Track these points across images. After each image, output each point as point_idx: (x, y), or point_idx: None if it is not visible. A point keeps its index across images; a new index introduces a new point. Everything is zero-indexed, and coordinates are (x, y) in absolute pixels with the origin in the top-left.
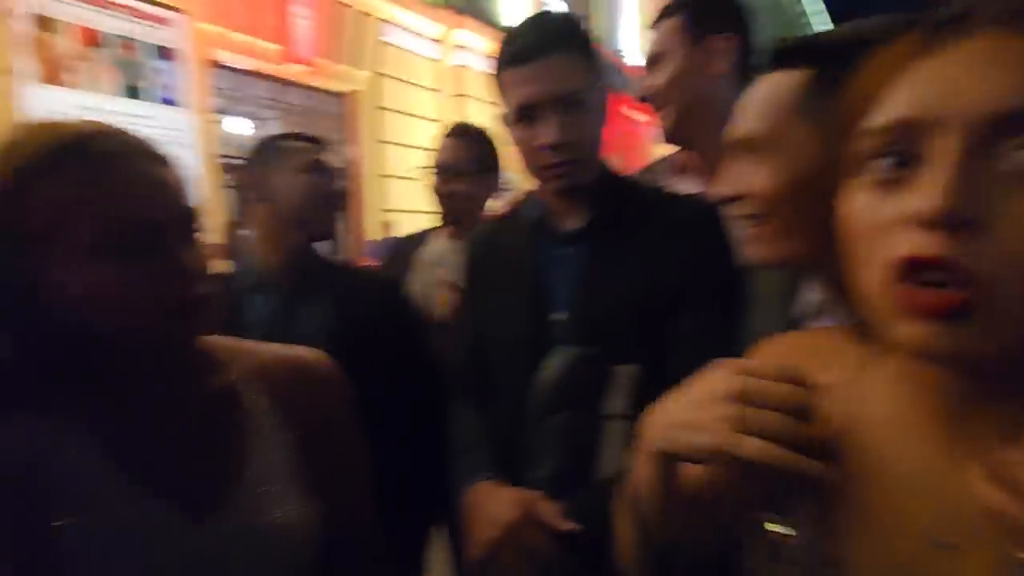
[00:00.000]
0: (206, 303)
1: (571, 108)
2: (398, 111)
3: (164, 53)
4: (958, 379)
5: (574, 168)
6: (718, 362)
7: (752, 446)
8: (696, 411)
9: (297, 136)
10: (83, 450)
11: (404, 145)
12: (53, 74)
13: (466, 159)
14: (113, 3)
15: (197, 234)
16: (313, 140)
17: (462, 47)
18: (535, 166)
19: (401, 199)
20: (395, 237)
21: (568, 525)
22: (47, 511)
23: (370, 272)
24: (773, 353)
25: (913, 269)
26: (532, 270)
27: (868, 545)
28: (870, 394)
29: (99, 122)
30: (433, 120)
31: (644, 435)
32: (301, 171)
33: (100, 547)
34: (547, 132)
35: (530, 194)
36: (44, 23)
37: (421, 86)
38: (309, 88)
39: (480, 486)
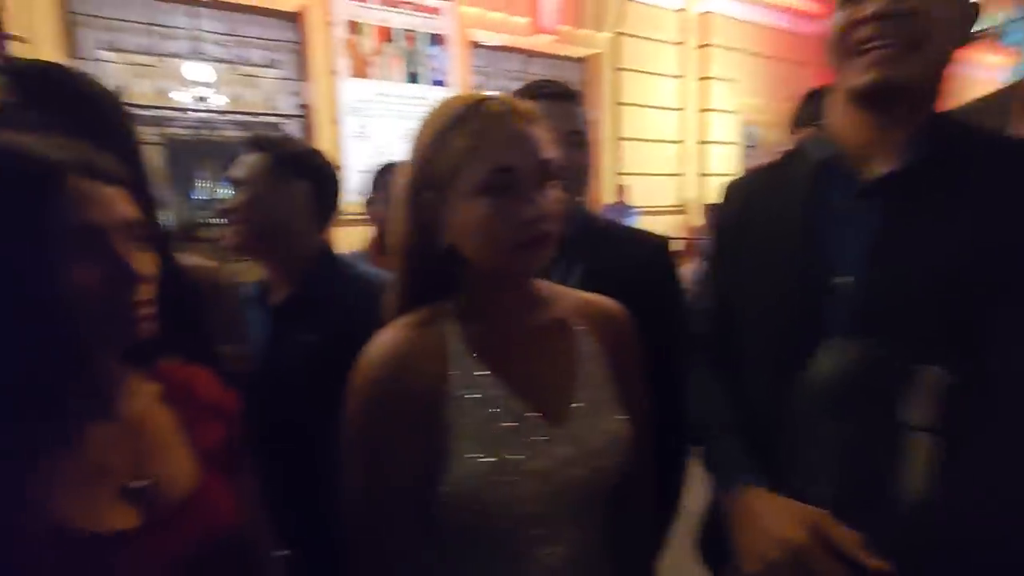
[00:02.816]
0: (549, 241)
1: None
2: (638, 70)
3: (436, 40)
4: None
5: (901, 50)
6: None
7: None
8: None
9: (549, 84)
10: (474, 363)
11: (643, 106)
12: (359, 69)
13: None
14: (402, 1)
15: (555, 182)
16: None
17: None
18: (850, 42)
19: (638, 162)
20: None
21: (876, 562)
22: (447, 418)
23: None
24: None
25: None
26: (809, 227)
27: None
28: None
29: (492, 93)
30: (675, 76)
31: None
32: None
33: (487, 445)
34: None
35: (819, 130)
36: (353, 27)
37: (663, 41)
38: (553, 57)
39: (752, 492)
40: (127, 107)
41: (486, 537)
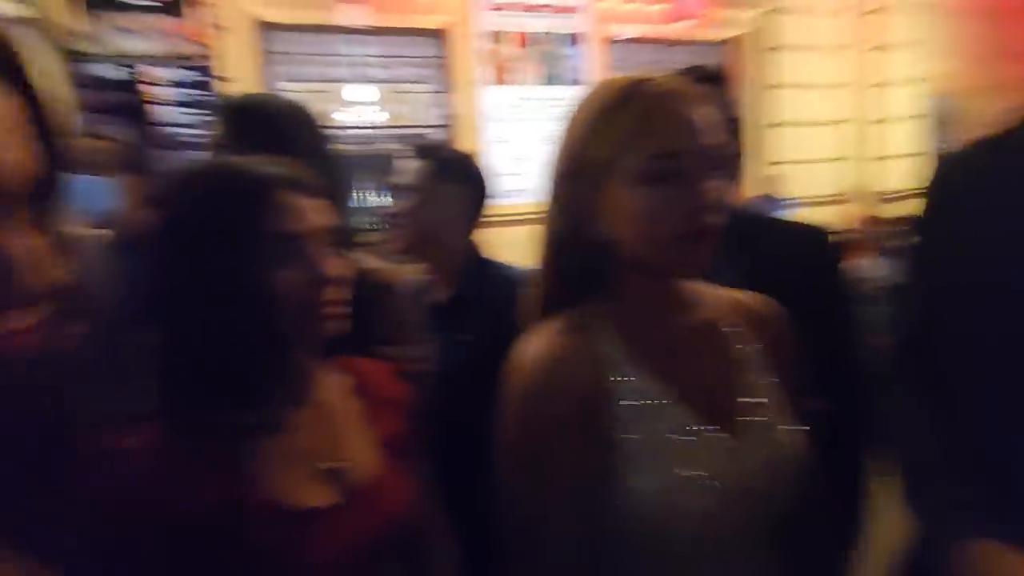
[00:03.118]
0: (713, 234)
1: None
2: (790, 47)
3: (573, 39)
4: None
5: None
6: None
7: None
8: None
9: (699, 68)
10: (635, 369)
11: (797, 86)
12: (499, 76)
13: None
14: (539, 6)
15: (719, 171)
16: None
17: None
18: None
19: (791, 149)
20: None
21: None
22: (612, 429)
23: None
24: None
25: None
26: None
27: None
28: None
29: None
30: (837, 49)
31: None
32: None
33: (659, 459)
34: None
35: None
36: (493, 37)
37: (821, 13)
38: (691, 43)
39: (986, 547)
40: (324, 127)
41: (657, 556)
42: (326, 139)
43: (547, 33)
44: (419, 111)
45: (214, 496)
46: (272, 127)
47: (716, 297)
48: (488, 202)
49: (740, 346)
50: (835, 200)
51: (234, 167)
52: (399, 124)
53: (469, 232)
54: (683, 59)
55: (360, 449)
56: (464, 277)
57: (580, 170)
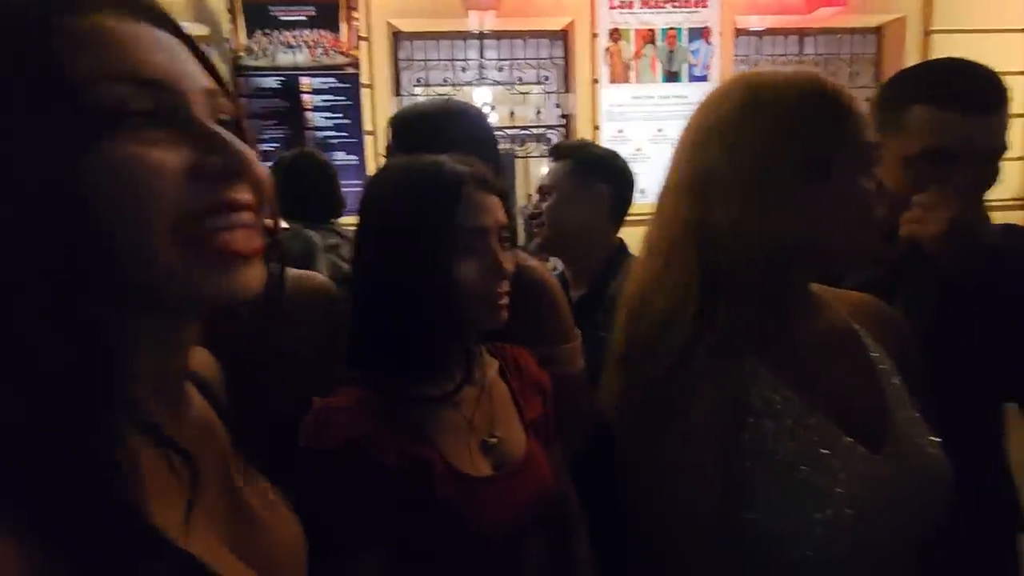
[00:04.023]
0: (879, 228)
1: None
2: (962, 30)
3: (698, 34)
4: None
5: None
6: None
7: None
8: None
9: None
10: (768, 383)
11: None
12: (618, 74)
13: None
14: (664, 1)
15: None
16: None
17: None
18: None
19: None
20: None
21: None
22: (746, 439)
23: None
24: None
25: None
26: None
27: None
28: None
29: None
30: (1009, 32)
31: None
32: None
33: (794, 475)
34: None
35: None
36: (615, 35)
37: None
38: (835, 31)
39: None
40: (494, 130)
41: (783, 571)
42: (494, 142)
43: (672, 28)
44: (537, 111)
45: (406, 455)
46: (444, 132)
47: (835, 297)
48: (631, 200)
49: (871, 350)
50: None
51: (430, 164)
52: (517, 124)
53: (611, 230)
54: (823, 49)
55: (511, 427)
56: (602, 274)
57: (783, 173)
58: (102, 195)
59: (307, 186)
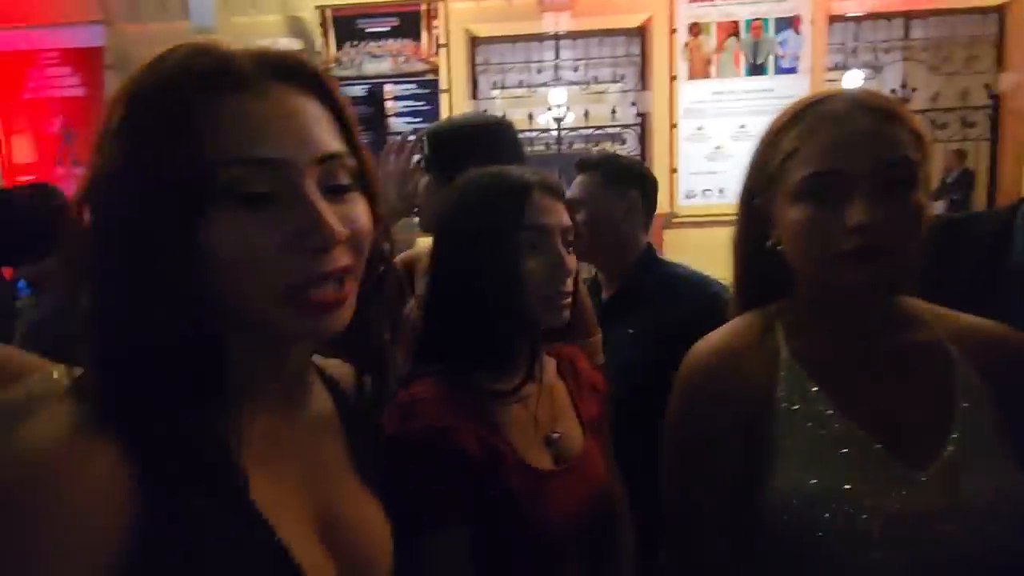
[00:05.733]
0: (878, 254)
1: None
2: None
3: (786, 23)
4: None
5: None
6: None
7: None
8: None
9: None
10: (806, 376)
11: None
12: (698, 70)
13: None
14: None
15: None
16: None
17: None
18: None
19: None
20: None
21: None
22: (773, 431)
23: None
24: None
25: None
26: None
27: None
28: None
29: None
30: None
31: None
32: None
33: (810, 466)
34: None
35: None
36: (694, 29)
37: None
38: (946, 12)
39: None
40: (517, 135)
41: (811, 563)
42: (522, 150)
43: (757, 19)
44: (612, 110)
45: (484, 444)
46: (479, 145)
47: (941, 319)
48: (656, 202)
49: (962, 374)
50: None
51: (500, 172)
52: (592, 124)
53: (642, 233)
54: (932, 33)
55: (569, 425)
56: (630, 275)
57: (756, 184)
58: (216, 256)
59: None
